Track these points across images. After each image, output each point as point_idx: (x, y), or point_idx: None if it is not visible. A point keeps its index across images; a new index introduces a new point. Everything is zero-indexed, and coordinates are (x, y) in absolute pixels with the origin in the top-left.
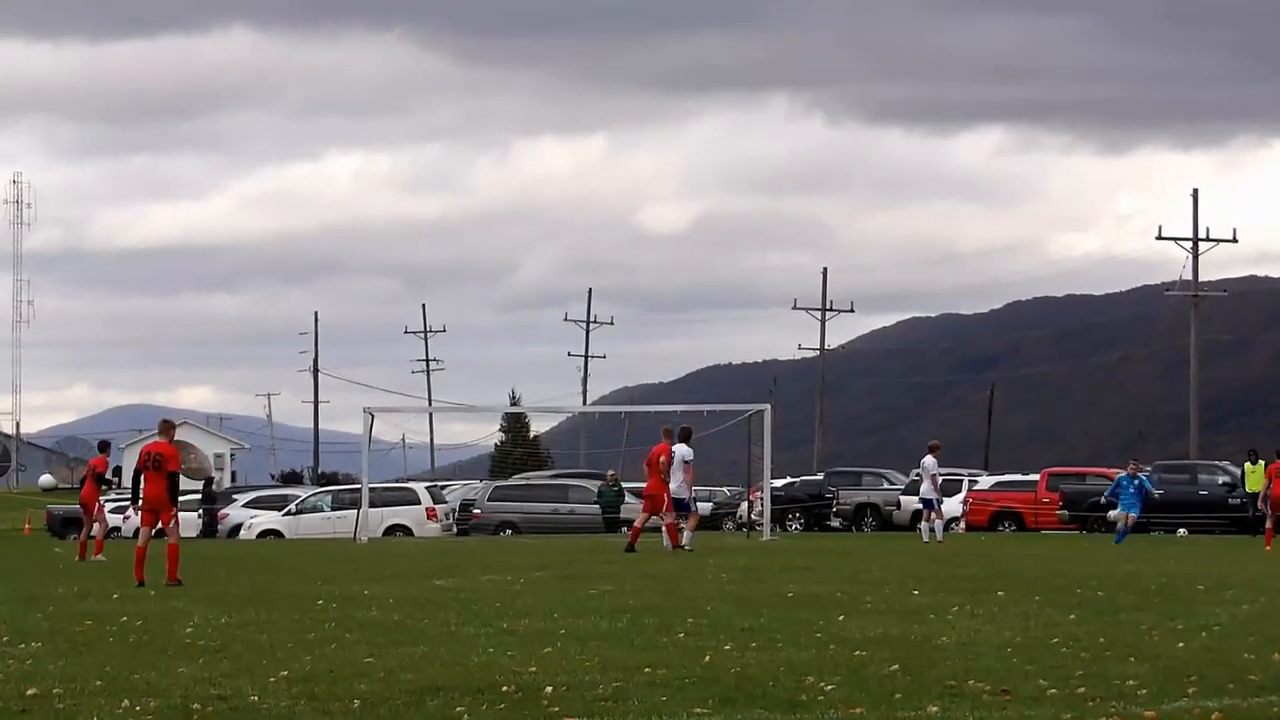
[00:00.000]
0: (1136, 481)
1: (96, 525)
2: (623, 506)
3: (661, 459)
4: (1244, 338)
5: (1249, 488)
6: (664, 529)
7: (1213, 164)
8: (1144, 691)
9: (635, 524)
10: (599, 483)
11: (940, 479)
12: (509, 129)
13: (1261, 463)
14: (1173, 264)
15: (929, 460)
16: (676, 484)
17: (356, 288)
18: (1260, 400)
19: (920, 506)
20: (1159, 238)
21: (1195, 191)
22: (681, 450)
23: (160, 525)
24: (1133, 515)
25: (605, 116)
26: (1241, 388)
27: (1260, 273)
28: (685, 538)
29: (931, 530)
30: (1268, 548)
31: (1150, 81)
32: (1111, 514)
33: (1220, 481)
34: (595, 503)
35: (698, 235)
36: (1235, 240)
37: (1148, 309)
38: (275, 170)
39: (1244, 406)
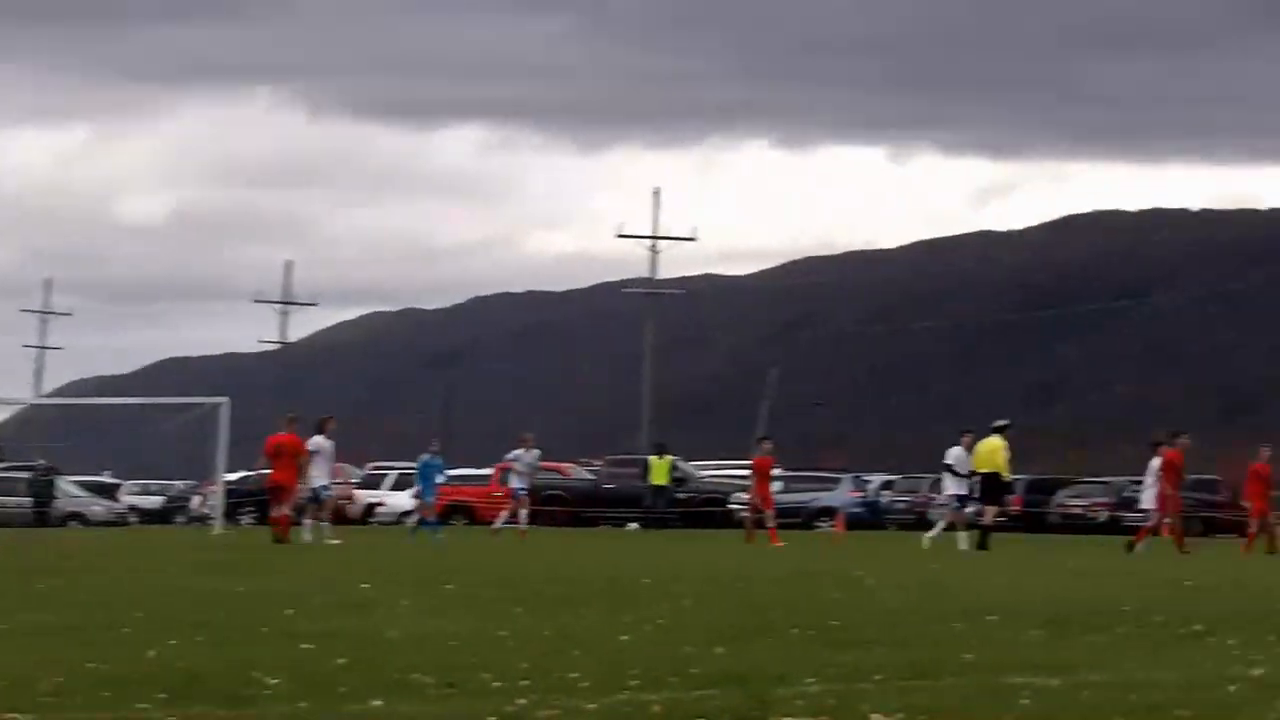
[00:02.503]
0: (440, 463)
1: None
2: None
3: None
4: (702, 335)
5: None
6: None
7: (684, 164)
8: (587, 684)
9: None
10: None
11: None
12: None
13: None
14: (639, 262)
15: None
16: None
17: None
18: (717, 397)
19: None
20: (620, 235)
21: (657, 191)
22: (316, 441)
23: None
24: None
25: (87, 107)
26: (699, 385)
27: (720, 271)
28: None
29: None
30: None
31: (626, 82)
32: None
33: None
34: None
35: (175, 228)
36: (694, 239)
37: (608, 306)
38: None
39: (701, 404)
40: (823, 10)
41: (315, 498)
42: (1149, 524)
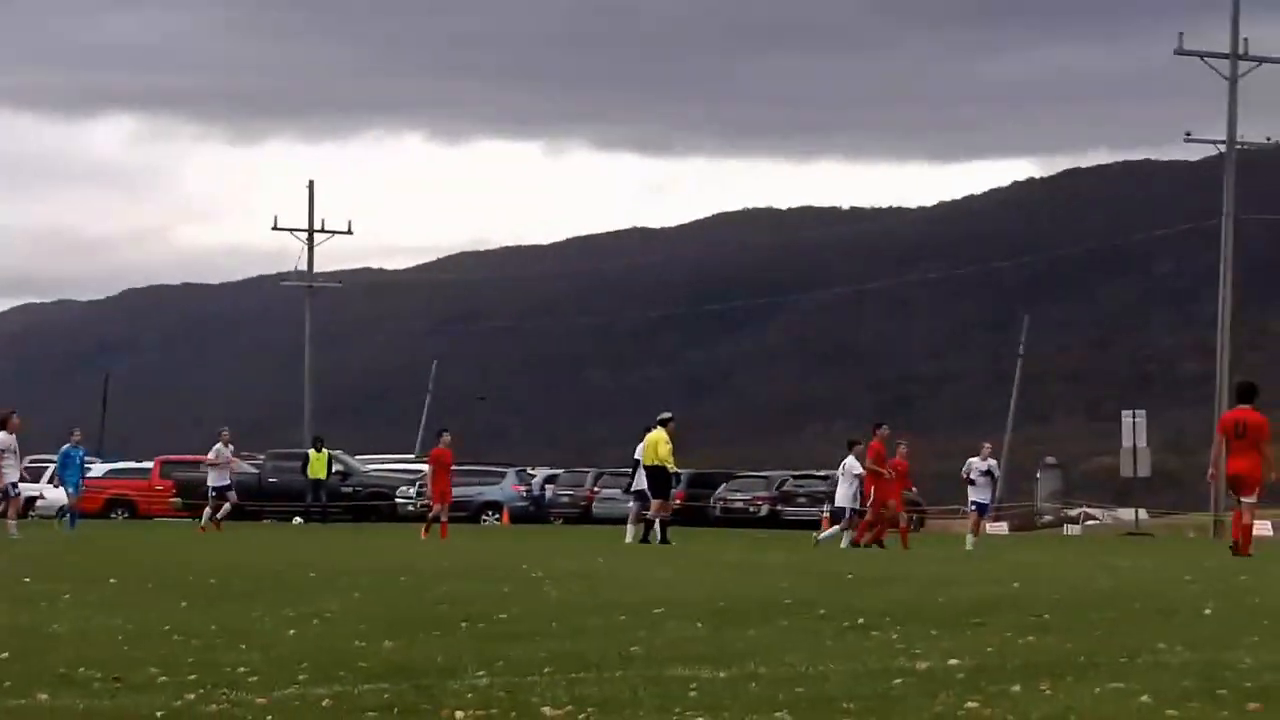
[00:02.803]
0: (82, 452)
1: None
2: None
3: None
4: (361, 329)
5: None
6: None
7: (341, 157)
8: (255, 679)
9: None
10: None
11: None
12: None
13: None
14: (296, 255)
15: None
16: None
17: None
18: (379, 391)
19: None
20: (275, 228)
21: (311, 183)
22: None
23: None
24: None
25: None
26: (361, 379)
27: (377, 265)
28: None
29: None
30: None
31: (280, 73)
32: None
33: (334, 470)
34: None
35: None
36: (350, 232)
37: (266, 299)
38: None
39: (365, 397)
40: (478, 5)
41: (4, 495)
42: (869, 520)
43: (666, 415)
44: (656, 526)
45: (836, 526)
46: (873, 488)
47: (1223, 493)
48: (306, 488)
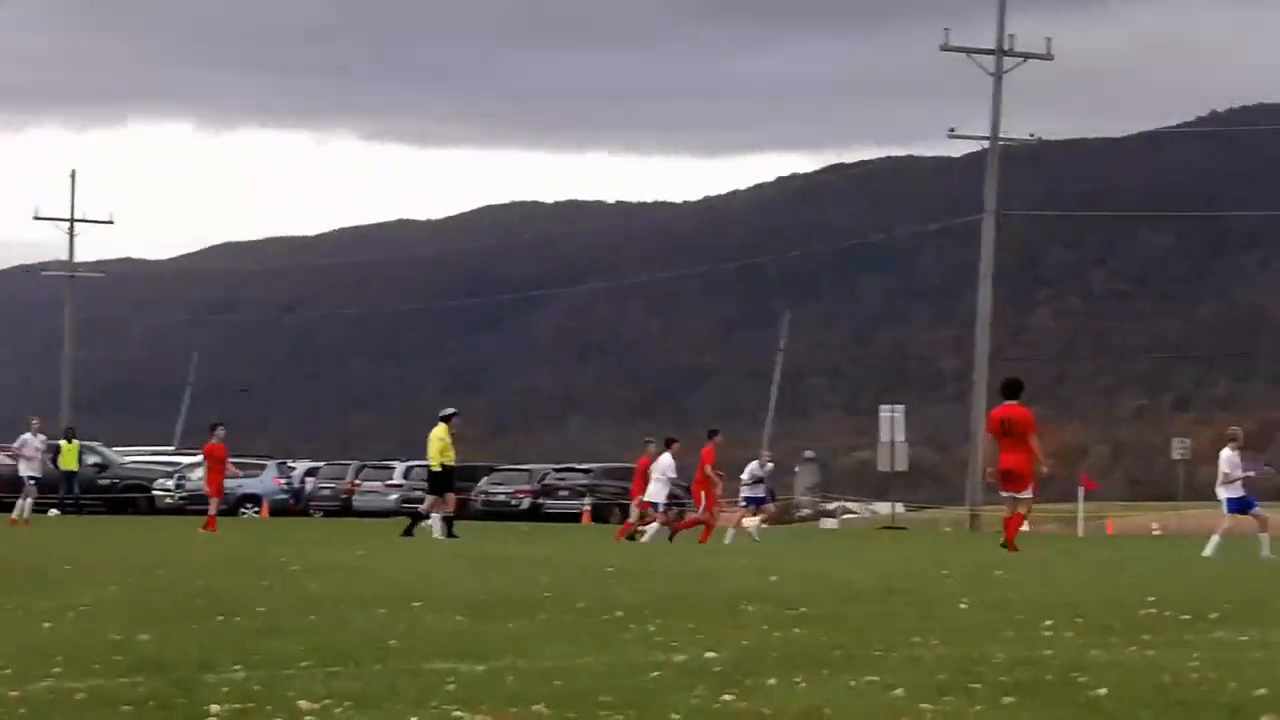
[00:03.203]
0: None
1: None
2: None
3: None
4: (120, 318)
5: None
6: None
7: (103, 146)
8: (8, 671)
9: None
10: None
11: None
12: None
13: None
14: (56, 245)
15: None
16: None
17: None
18: (137, 382)
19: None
20: (36, 218)
21: (74, 173)
22: None
23: None
24: None
25: None
26: (120, 370)
27: (139, 255)
28: None
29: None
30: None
31: (41, 62)
32: None
33: (91, 462)
34: None
35: None
36: (112, 222)
37: (25, 289)
38: None
39: (123, 389)
40: None
41: None
42: (698, 517)
43: (448, 411)
44: (435, 521)
45: (656, 524)
46: (702, 492)
47: (996, 489)
48: (59, 479)
